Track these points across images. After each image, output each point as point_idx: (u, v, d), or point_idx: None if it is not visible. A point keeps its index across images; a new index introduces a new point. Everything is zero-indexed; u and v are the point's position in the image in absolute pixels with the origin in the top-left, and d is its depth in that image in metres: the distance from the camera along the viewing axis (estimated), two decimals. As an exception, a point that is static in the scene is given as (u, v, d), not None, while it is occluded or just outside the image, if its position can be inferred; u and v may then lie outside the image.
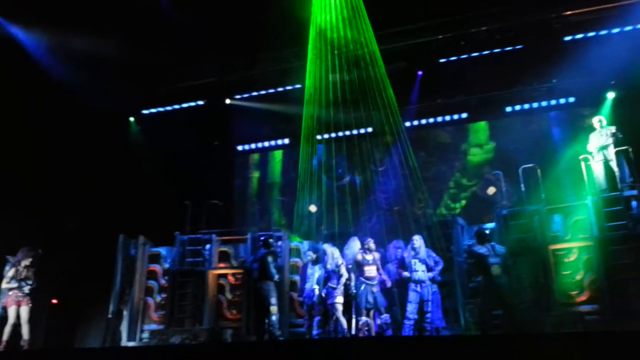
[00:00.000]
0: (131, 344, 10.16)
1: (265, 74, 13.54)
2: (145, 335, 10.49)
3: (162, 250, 11.19)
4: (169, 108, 14.54)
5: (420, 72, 12.84)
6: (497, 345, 5.76)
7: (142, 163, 13.31)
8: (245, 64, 13.51)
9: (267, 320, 8.57)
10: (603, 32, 11.66)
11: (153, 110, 14.62)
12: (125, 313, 10.54)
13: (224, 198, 12.87)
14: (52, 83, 11.70)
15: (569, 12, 11.54)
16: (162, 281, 10.93)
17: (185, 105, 14.42)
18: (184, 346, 8.63)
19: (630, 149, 9.12)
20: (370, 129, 12.94)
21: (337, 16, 10.98)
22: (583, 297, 8.74)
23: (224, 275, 10.73)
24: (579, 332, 7.53)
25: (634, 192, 8.72)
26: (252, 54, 13.23)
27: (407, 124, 12.74)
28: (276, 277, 8.72)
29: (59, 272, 12.11)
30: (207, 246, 10.73)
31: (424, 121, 13.74)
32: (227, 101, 14.20)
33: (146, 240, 11.11)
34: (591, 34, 11.74)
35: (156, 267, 11.08)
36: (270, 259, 8.62)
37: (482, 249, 8.02)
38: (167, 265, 10.97)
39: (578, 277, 8.85)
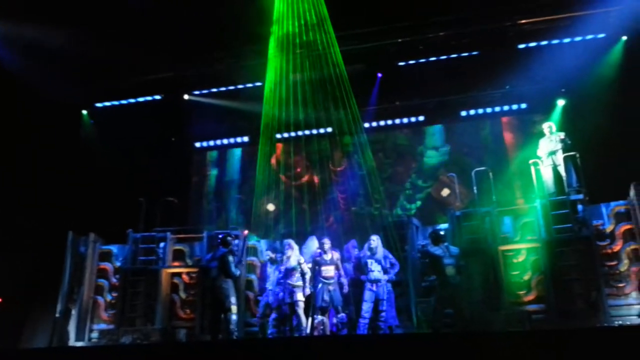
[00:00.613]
0: (80, 344, 9.88)
1: (225, 71, 13.39)
2: (95, 334, 10.25)
3: (114, 248, 10.94)
4: (124, 102, 14.16)
5: (379, 74, 12.99)
6: (448, 343, 5.91)
7: (94, 158, 12.91)
8: (204, 59, 13.30)
9: (222, 320, 8.49)
10: (555, 42, 12.14)
11: (107, 104, 14.20)
12: (73, 312, 10.25)
13: (180, 195, 12.64)
14: (1, 73, 11.19)
15: (523, 21, 11.94)
16: (113, 280, 10.68)
17: (141, 99, 14.07)
18: (135, 346, 8.44)
19: (577, 155, 9.51)
20: (329, 129, 13.04)
21: (298, 15, 11.00)
22: (530, 297, 9.07)
23: (178, 274, 10.57)
24: (525, 330, 7.80)
25: (580, 196, 9.10)
26: (211, 49, 13.04)
27: (366, 125, 12.89)
28: (237, 274, 8.66)
29: (3, 270, 11.59)
30: (161, 244, 10.55)
31: (382, 123, 13.92)
32: (186, 97, 13.96)
33: (97, 238, 10.83)
34: (543, 42, 12.21)
35: (107, 266, 10.81)
36: (230, 257, 8.55)
37: (437, 250, 8.19)
38: (118, 264, 10.74)
39: (526, 278, 9.18)
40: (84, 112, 14.07)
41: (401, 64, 12.90)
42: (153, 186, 11.98)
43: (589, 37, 11.91)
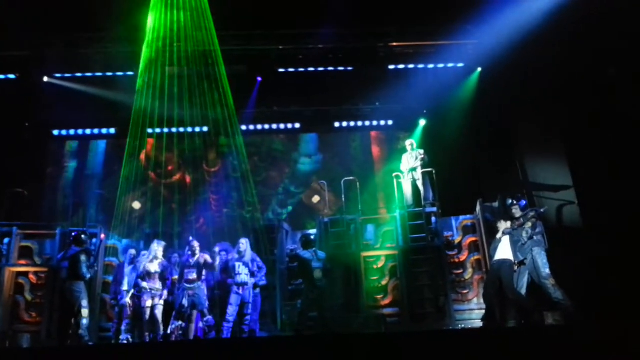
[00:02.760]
0: None
1: (94, 56, 12.44)
2: None
3: (-54, 242, 9.59)
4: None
5: (259, 78, 13.04)
6: (310, 345, 6.12)
7: None
8: (70, 40, 12.26)
9: (73, 324, 7.87)
10: (421, 66, 13.20)
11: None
12: None
13: (31, 187, 11.46)
14: None
15: (394, 44, 12.82)
16: (-56, 278, 9.35)
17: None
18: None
19: (434, 171, 10.37)
20: (205, 128, 12.76)
21: (179, 8, 10.65)
22: (387, 301, 9.68)
23: (25, 274, 9.59)
24: (379, 332, 8.30)
25: (434, 209, 9.93)
26: (79, 30, 12.07)
27: (243, 127, 12.85)
28: (88, 276, 8.06)
29: None
30: (6, 240, 9.52)
31: (259, 127, 13.97)
32: (45, 79, 12.72)
33: None
34: (411, 66, 13.21)
35: (-64, 261, 9.45)
36: (83, 257, 7.94)
37: (306, 254, 8.44)
38: (-49, 259, 9.42)
39: (384, 283, 9.79)
40: None
41: (281, 70, 13.09)
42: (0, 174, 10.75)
43: (450, 65, 13.18)
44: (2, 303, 9.11)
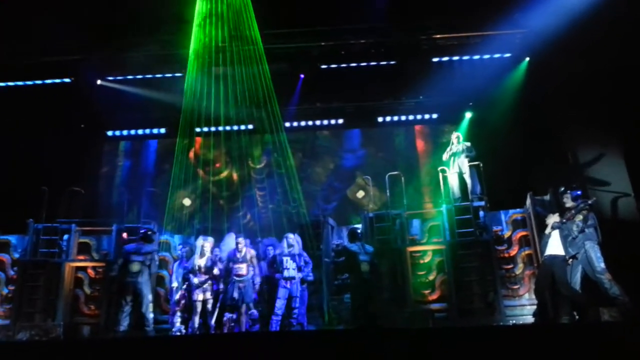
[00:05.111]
0: (-32, 340, 9.08)
1: (144, 59, 12.85)
2: (-13, 331, 9.48)
3: (12, 239, 10.19)
4: (29, 83, 13.14)
5: (302, 76, 13.14)
6: (357, 339, 6.15)
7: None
8: (122, 44, 12.72)
9: (137, 316, 8.29)
10: (466, 58, 12.93)
11: (10, 84, 13.12)
12: (-37, 306, 9.41)
13: (88, 186, 12.01)
14: None
15: (438, 36, 12.60)
16: (11, 272, 9.95)
17: (49, 81, 13.13)
18: (33, 342, 7.93)
19: (481, 164, 10.19)
20: (250, 126, 12.98)
21: (223, 8, 10.85)
22: (434, 296, 9.60)
23: (83, 268, 10.05)
24: (427, 327, 8.25)
25: (482, 203, 9.76)
26: (130, 34, 12.50)
27: (287, 124, 12.98)
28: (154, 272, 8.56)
29: None
30: (65, 236, 9.98)
31: (303, 123, 14.10)
32: (99, 82, 13.25)
33: (-7, 227, 10.03)
34: (455, 58, 12.96)
35: (4, 257, 10.05)
36: (156, 256, 8.42)
37: (354, 247, 8.51)
38: (17, 255, 10.01)
39: (431, 278, 9.72)
40: (-16, 92, 12.96)
41: (323, 67, 13.14)
42: (59, 174, 11.28)
43: (497, 55, 12.85)
44: (63, 296, 9.57)
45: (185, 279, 8.85)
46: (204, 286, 8.66)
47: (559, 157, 11.26)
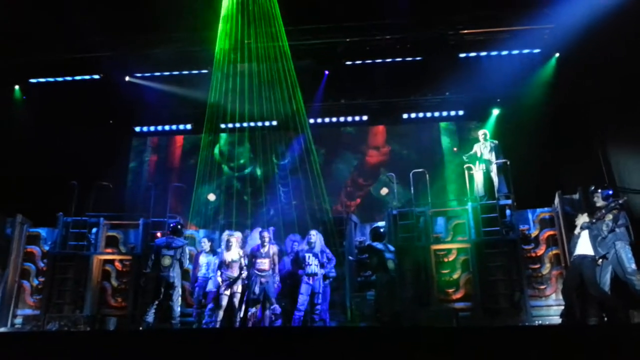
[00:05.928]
0: (2, 329, 9.37)
1: (171, 55, 13.01)
2: (19, 320, 9.82)
3: (42, 231, 10.47)
4: (60, 79, 13.45)
5: (326, 72, 13.12)
6: (382, 337, 6.13)
7: (25, 135, 12.23)
8: (149, 42, 12.89)
9: (164, 309, 8.44)
10: (493, 53, 12.72)
11: (42, 80, 13.46)
12: (-4, 296, 9.71)
13: (116, 180, 12.24)
14: None
15: (465, 32, 12.41)
16: (41, 264, 10.23)
17: (79, 77, 13.42)
18: (61, 333, 8.13)
19: (508, 162, 10.03)
20: (274, 122, 13.03)
21: (249, 4, 10.91)
22: (458, 295, 9.50)
23: (111, 261, 10.25)
24: (452, 327, 8.16)
25: (509, 201, 9.62)
26: (157, 32, 12.66)
27: (311, 120, 12.99)
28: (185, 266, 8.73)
29: None
30: (94, 230, 10.19)
31: (327, 119, 14.10)
32: (127, 78, 13.49)
33: (25, 220, 10.32)
34: (483, 53, 12.76)
35: (35, 249, 10.35)
36: (187, 249, 8.56)
37: (379, 245, 8.48)
38: (47, 248, 10.28)
39: (455, 276, 9.61)
40: (17, 87, 13.30)
41: (348, 63, 13.09)
42: (87, 169, 11.52)
43: (525, 51, 12.61)
44: (91, 289, 9.78)
45: (214, 273, 8.93)
46: (230, 280, 8.71)
47: (589, 155, 10.99)
